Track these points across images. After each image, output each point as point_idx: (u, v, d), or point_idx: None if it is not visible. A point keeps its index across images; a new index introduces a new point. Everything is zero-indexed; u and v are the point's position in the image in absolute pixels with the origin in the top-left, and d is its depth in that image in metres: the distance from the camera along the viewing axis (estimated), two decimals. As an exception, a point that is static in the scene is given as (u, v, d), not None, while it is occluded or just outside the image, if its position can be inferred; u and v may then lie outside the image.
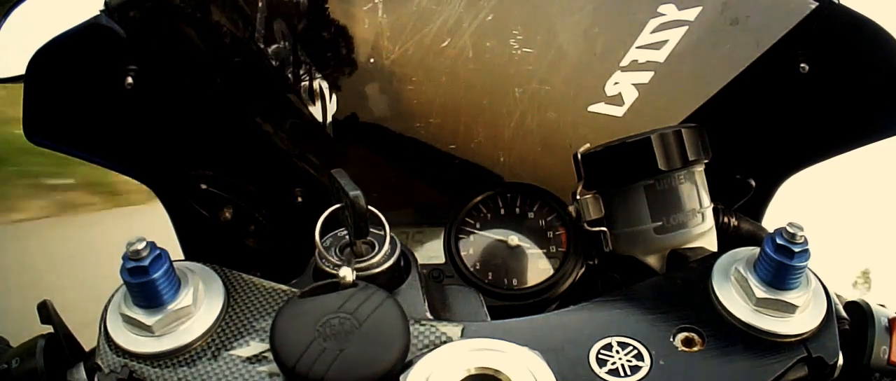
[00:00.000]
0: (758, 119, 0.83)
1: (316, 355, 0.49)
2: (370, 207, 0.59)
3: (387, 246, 0.61)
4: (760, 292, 0.55)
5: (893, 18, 0.75)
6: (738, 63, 0.78)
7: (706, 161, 0.72)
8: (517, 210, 0.90)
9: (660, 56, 0.78)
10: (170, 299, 0.55)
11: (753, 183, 0.88)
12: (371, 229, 0.61)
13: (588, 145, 0.74)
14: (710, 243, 0.73)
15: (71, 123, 0.80)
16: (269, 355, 0.54)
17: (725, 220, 0.81)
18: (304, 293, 0.54)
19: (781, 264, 0.53)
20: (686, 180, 0.71)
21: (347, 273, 0.54)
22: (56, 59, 0.75)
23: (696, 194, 0.71)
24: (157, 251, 0.55)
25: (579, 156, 0.74)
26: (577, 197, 0.75)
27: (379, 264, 0.61)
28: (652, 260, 0.73)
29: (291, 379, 0.50)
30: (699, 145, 0.70)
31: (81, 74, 0.77)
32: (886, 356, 0.58)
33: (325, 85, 0.80)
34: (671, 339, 0.54)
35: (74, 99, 0.78)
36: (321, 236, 0.61)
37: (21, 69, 0.76)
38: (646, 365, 0.53)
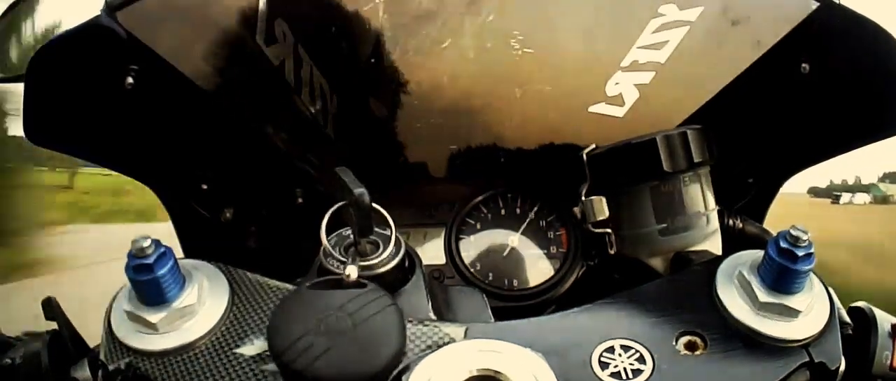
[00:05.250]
0: (759, 119, 0.83)
1: (304, 347, 0.49)
2: (376, 205, 0.59)
3: (391, 245, 0.61)
4: (763, 295, 0.55)
5: (893, 19, 0.75)
6: (739, 63, 0.78)
7: (711, 163, 0.72)
8: (517, 211, 0.90)
9: (661, 56, 0.78)
10: (174, 296, 0.56)
11: (754, 184, 0.88)
12: (376, 228, 0.61)
13: (594, 146, 0.74)
14: (715, 245, 0.73)
15: (71, 123, 0.79)
16: None
17: (730, 222, 0.80)
18: (313, 285, 0.54)
19: (785, 267, 0.53)
20: (691, 183, 0.71)
21: (352, 271, 0.54)
22: (57, 58, 0.75)
23: (701, 196, 0.71)
24: (162, 249, 0.55)
25: (585, 157, 0.74)
26: (583, 198, 0.75)
27: (383, 264, 0.61)
28: (656, 262, 0.73)
29: (278, 366, 0.51)
30: (705, 147, 0.70)
31: (82, 74, 0.77)
32: (889, 362, 0.58)
33: (325, 85, 0.79)
34: (674, 342, 0.55)
35: (75, 99, 0.78)
36: (326, 235, 0.61)
37: (21, 69, 0.76)
38: (648, 369, 0.53)
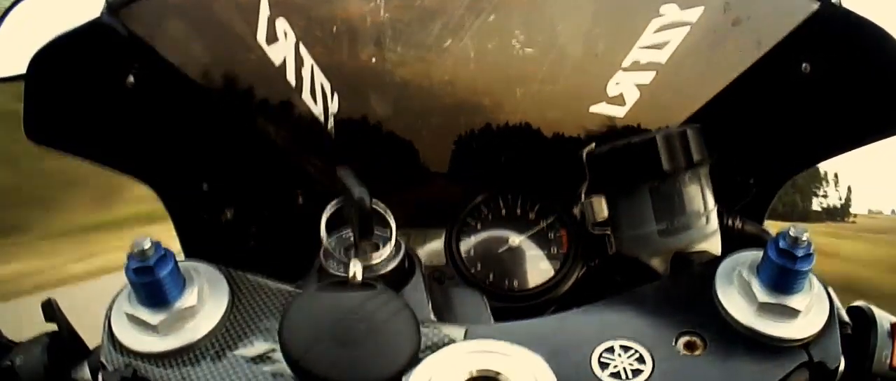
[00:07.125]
0: (759, 120, 0.83)
1: (322, 351, 0.49)
2: (378, 204, 0.59)
3: (391, 246, 0.61)
4: (763, 296, 0.55)
5: (893, 19, 0.75)
6: (740, 64, 0.78)
7: (711, 163, 0.72)
8: (518, 211, 0.90)
9: (661, 57, 0.78)
10: (175, 298, 0.56)
11: (754, 184, 0.88)
12: (376, 230, 0.61)
13: (593, 145, 0.75)
14: (715, 245, 0.73)
15: (72, 122, 0.79)
16: (274, 355, 0.54)
17: (730, 223, 0.81)
18: (321, 288, 0.54)
19: (784, 268, 0.53)
20: (691, 182, 0.71)
21: (357, 271, 0.54)
22: (57, 58, 0.75)
23: (700, 196, 0.72)
24: (163, 251, 0.55)
25: (584, 156, 0.74)
26: (583, 198, 0.75)
27: (383, 265, 0.61)
28: (656, 263, 0.73)
29: (295, 372, 0.50)
30: (704, 146, 0.70)
31: (83, 74, 0.77)
32: (888, 361, 0.59)
33: (326, 85, 0.80)
34: (673, 343, 0.55)
35: (75, 99, 0.78)
36: (327, 235, 0.61)
37: (22, 68, 0.76)
38: (647, 369, 0.53)
